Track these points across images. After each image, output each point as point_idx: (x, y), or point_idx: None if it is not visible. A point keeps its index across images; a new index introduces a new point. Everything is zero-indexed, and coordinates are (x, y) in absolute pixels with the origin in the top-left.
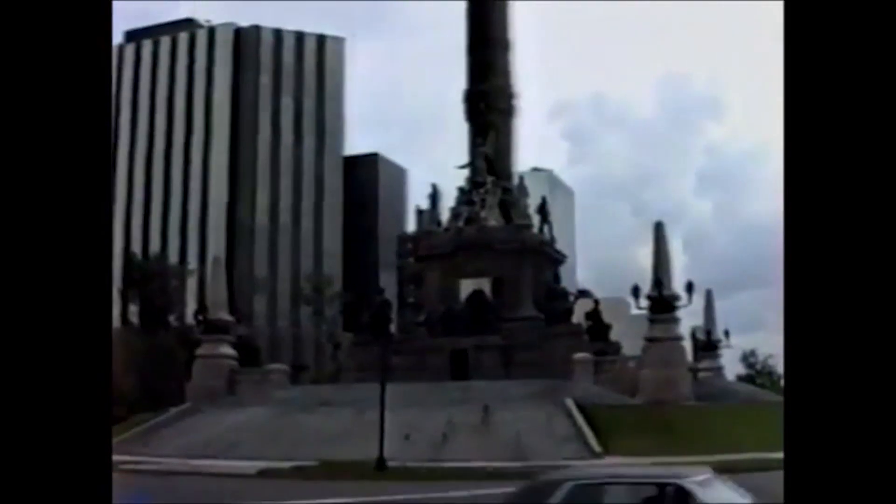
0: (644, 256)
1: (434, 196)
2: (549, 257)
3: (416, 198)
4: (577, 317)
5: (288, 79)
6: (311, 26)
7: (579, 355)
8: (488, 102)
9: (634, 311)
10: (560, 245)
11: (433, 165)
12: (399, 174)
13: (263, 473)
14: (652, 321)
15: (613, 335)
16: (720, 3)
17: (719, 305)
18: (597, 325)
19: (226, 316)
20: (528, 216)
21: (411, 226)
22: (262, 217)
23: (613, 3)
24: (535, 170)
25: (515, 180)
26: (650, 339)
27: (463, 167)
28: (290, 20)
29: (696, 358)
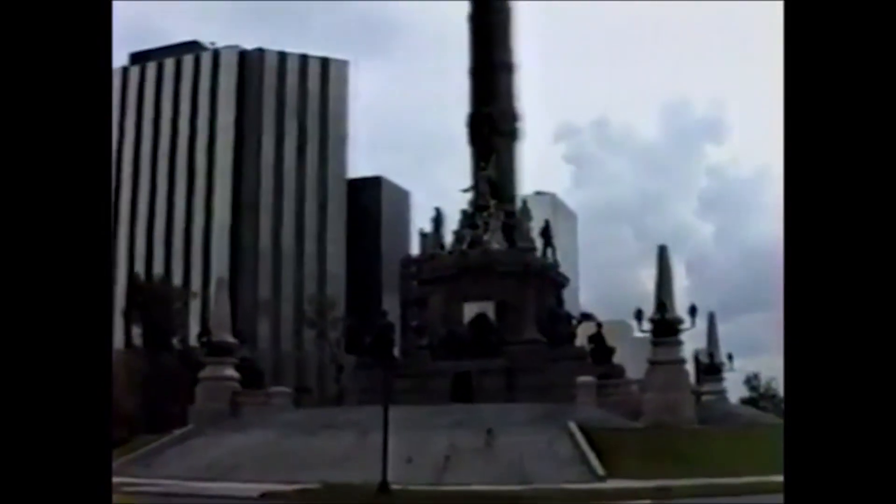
0: (647, 280)
1: (437, 219)
2: (552, 281)
3: (420, 221)
4: (580, 340)
5: (292, 101)
6: (315, 49)
7: (582, 379)
8: (492, 126)
9: (637, 335)
10: (563, 268)
11: (436, 188)
12: (402, 197)
13: (266, 496)
14: (655, 344)
15: (616, 358)
16: (723, 26)
17: (722, 329)
18: (600, 349)
19: (229, 338)
20: (531, 240)
21: (415, 249)
22: (265, 239)
23: (617, 28)
24: (539, 193)
25: (518, 204)
26: (653, 363)
27: (466, 190)
28: (294, 43)
29: (699, 381)
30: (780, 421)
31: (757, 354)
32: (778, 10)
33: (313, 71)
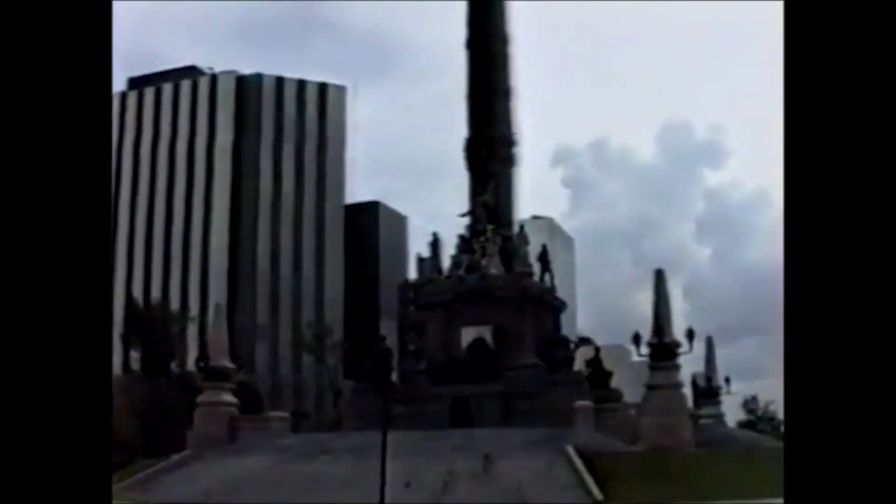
0: (644, 303)
1: (435, 244)
2: (549, 305)
3: (417, 246)
4: (578, 364)
5: (289, 126)
6: (312, 74)
7: (580, 403)
8: (489, 150)
9: (635, 359)
10: (561, 293)
11: (434, 213)
12: (400, 222)
13: None
14: (653, 368)
15: (614, 382)
16: (721, 49)
17: (720, 352)
18: (597, 373)
19: (227, 363)
20: (528, 264)
21: (412, 273)
22: (263, 264)
23: (615, 51)
24: (536, 217)
25: (516, 228)
26: (651, 387)
27: (463, 215)
28: (292, 68)
29: (697, 405)
30: (778, 444)
31: (755, 378)
32: (777, 34)
33: (311, 96)
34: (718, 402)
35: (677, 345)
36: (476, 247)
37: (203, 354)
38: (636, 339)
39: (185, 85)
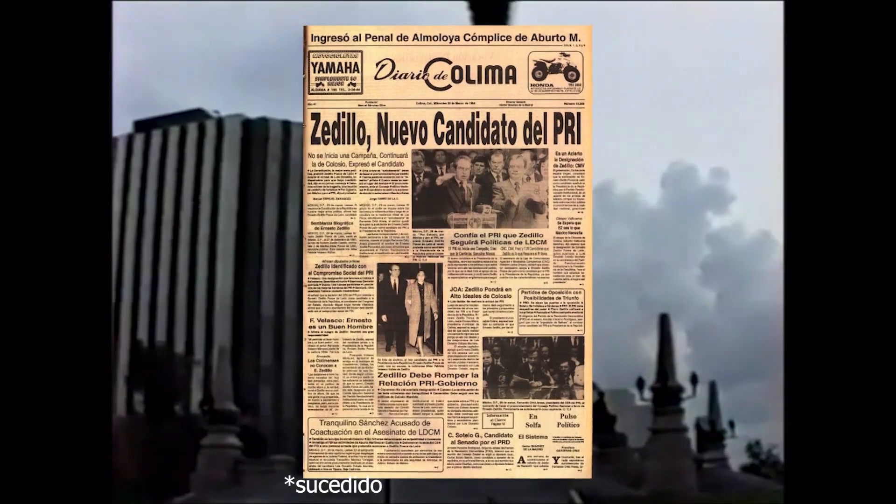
0: (648, 348)
1: None
2: None
3: None
4: None
5: (295, 170)
6: None
7: None
8: None
9: (639, 403)
10: None
11: None
12: None
13: None
14: (656, 413)
15: (618, 427)
16: (724, 92)
17: (723, 396)
18: (601, 417)
19: (231, 406)
20: None
21: None
22: (267, 307)
23: (618, 94)
24: None
25: None
26: (655, 431)
27: None
28: (299, 112)
29: (701, 449)
30: (782, 488)
31: (758, 421)
32: (777, 79)
33: None
34: (722, 447)
35: (681, 389)
36: None
37: (207, 397)
38: (640, 383)
39: (192, 128)
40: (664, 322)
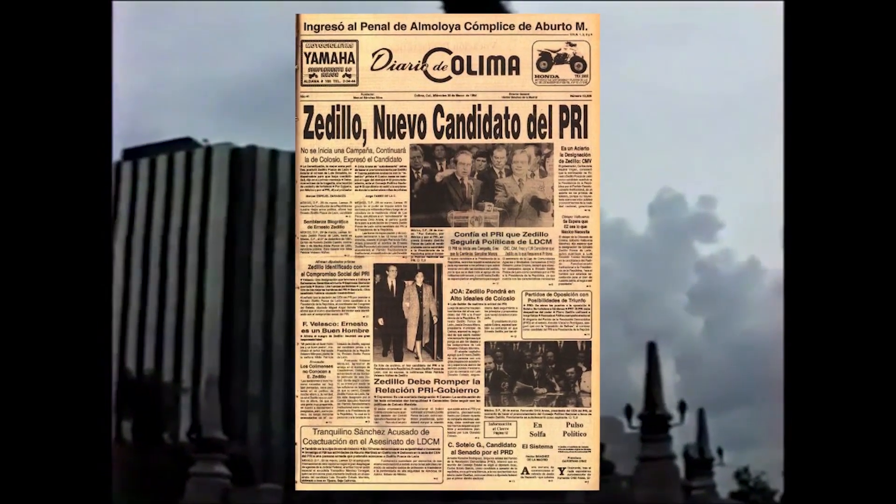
0: (636, 376)
1: None
2: None
3: None
4: None
5: (283, 198)
6: None
7: None
8: None
9: (627, 431)
10: None
11: None
12: None
13: None
14: (644, 440)
15: (606, 455)
16: (713, 120)
17: (712, 423)
18: None
19: (219, 434)
20: None
21: None
22: (255, 335)
23: (606, 123)
24: None
25: None
26: (643, 459)
27: None
28: (287, 141)
29: (690, 476)
30: None
31: (747, 448)
32: (765, 108)
33: None
34: (711, 474)
35: (669, 417)
36: None
37: (195, 425)
38: (628, 411)
39: (180, 156)
40: (652, 350)
